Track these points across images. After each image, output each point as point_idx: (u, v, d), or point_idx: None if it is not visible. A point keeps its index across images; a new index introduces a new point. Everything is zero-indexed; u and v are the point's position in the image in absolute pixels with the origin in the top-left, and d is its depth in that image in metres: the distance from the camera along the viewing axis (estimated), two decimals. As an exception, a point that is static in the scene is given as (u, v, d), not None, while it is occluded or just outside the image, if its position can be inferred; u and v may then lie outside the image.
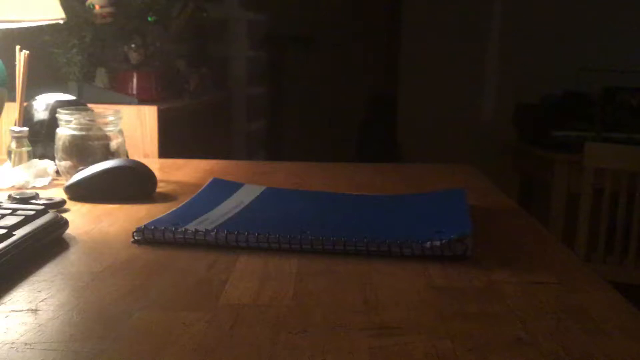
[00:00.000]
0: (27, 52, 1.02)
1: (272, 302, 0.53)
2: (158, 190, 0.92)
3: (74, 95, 1.20)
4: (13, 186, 0.92)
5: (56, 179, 0.98)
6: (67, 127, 0.94)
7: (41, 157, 1.00)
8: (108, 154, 0.95)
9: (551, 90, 2.88)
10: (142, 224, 0.71)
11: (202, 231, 0.67)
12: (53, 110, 1.02)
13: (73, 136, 0.94)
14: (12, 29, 1.11)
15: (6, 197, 0.80)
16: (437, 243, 0.64)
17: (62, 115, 0.94)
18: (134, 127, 1.52)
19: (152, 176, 0.90)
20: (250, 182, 0.99)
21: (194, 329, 0.47)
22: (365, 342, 0.46)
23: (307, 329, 0.48)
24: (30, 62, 1.03)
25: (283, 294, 0.55)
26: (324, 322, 0.49)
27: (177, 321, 0.49)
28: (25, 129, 1.00)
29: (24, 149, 0.99)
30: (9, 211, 0.65)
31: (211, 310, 0.51)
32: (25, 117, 1.04)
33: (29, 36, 1.20)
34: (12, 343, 0.44)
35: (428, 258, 0.64)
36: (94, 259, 0.62)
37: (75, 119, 0.94)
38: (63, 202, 0.82)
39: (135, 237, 0.69)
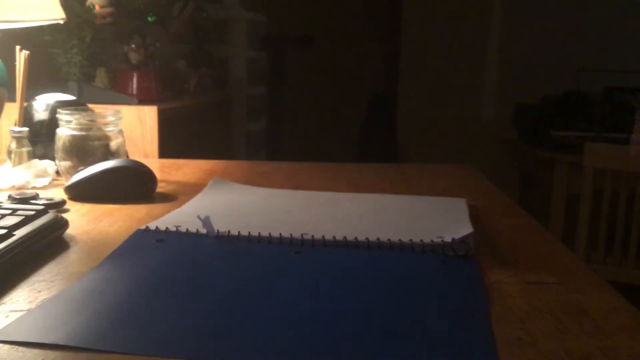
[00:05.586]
0: (27, 52, 1.02)
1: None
2: (158, 190, 0.92)
3: (74, 95, 1.19)
4: (13, 186, 0.93)
5: (56, 179, 0.98)
6: (67, 127, 0.94)
7: (41, 157, 1.01)
8: (108, 154, 0.95)
9: (551, 90, 2.88)
10: (142, 224, 0.71)
11: (203, 234, 0.68)
12: (53, 110, 1.02)
13: (73, 136, 0.94)
14: (12, 29, 1.11)
15: (6, 197, 0.80)
16: (439, 241, 0.64)
17: (62, 115, 0.94)
18: (134, 127, 1.52)
19: (152, 176, 0.90)
20: (250, 182, 0.99)
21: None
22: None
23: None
24: (30, 62, 1.03)
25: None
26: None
27: (177, 321, 0.48)
28: (25, 129, 1.00)
29: (24, 149, 0.99)
30: (9, 211, 0.65)
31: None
32: (25, 117, 1.04)
33: (29, 36, 1.20)
34: (12, 343, 0.44)
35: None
36: (94, 259, 0.62)
37: (75, 119, 0.94)
38: (63, 202, 0.82)
39: (135, 237, 0.68)
